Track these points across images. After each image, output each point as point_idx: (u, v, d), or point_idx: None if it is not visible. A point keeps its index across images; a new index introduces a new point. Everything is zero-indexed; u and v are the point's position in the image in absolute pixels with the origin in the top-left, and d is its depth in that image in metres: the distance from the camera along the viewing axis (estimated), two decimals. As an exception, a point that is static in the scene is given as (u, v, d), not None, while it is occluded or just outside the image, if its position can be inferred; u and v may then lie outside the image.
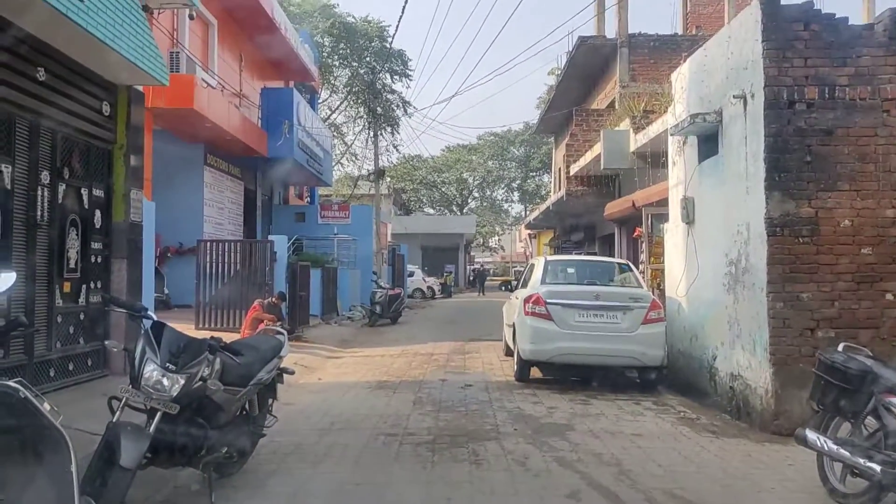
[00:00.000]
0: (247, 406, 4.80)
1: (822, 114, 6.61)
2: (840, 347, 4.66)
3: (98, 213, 7.43)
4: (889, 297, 6.46)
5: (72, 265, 6.97)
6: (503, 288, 13.57)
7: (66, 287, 6.90)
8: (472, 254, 60.10)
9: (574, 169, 18.45)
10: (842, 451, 4.34)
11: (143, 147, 8.22)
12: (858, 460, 4.20)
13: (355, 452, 5.57)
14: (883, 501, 4.19)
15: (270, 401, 5.17)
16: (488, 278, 45.83)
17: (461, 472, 5.09)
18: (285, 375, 5.31)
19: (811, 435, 4.56)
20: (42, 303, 6.51)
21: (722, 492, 4.74)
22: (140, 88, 7.99)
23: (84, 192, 7.18)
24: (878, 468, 4.08)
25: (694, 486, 4.80)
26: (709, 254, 8.09)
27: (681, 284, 8.97)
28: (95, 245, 7.38)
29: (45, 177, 6.49)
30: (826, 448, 4.46)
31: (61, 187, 6.76)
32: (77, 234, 7.04)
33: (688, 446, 5.95)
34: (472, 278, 46.90)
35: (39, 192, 6.41)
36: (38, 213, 6.39)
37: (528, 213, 45.82)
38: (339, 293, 18.64)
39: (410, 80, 37.19)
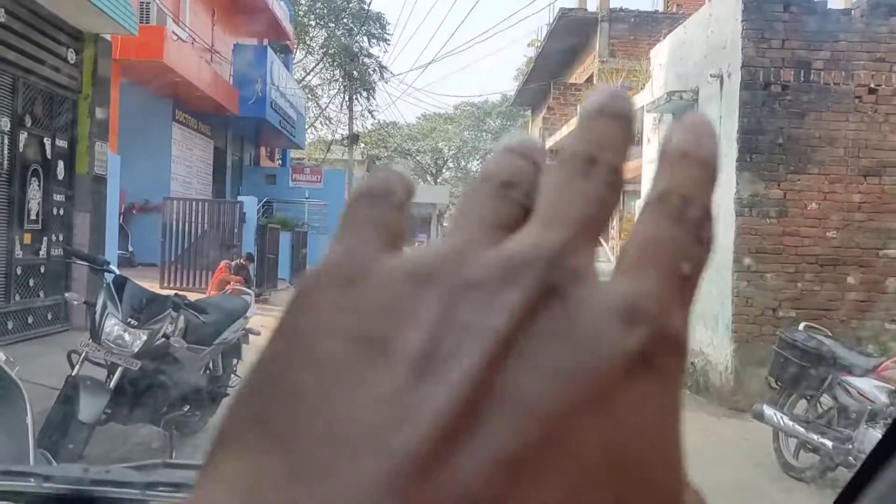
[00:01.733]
0: (210, 365, 4.75)
1: (797, 96, 6.67)
2: (800, 327, 4.78)
3: (61, 164, 7.21)
4: (850, 280, 6.61)
5: (33, 216, 6.77)
6: None
7: (27, 238, 6.72)
8: (444, 224, 60.10)
9: (550, 143, 18.44)
10: (797, 426, 4.47)
11: (109, 99, 7.98)
12: (812, 436, 4.33)
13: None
14: (832, 475, 4.33)
15: (235, 361, 5.13)
16: None
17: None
18: (251, 336, 5.25)
19: (768, 411, 4.69)
20: (1, 254, 6.33)
21: (679, 463, 4.85)
22: (108, 38, 7.72)
23: (47, 141, 6.95)
24: (829, 444, 4.21)
25: (652, 456, 4.90)
26: (678, 231, 8.17)
27: (649, 261, 9.07)
28: (58, 197, 7.18)
29: (4, 124, 6.26)
30: (782, 424, 4.58)
31: (23, 135, 6.53)
32: (39, 185, 6.83)
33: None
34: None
35: (-1, 140, 6.20)
36: (-2, 161, 6.19)
37: (501, 185, 45.74)
38: (310, 257, 18.52)
39: (388, 44, 36.72)
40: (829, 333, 4.78)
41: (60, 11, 6.70)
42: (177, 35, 14.17)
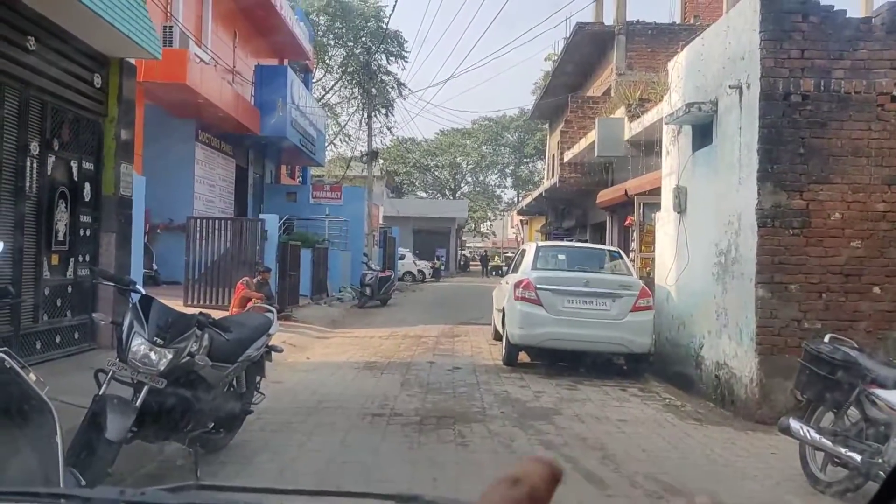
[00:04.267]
0: (234, 382, 4.80)
1: (817, 106, 6.62)
2: (826, 338, 4.71)
3: (87, 186, 7.36)
4: (876, 290, 6.51)
5: (60, 238, 6.91)
6: (491, 273, 13.60)
7: (55, 259, 6.84)
8: (463, 239, 60.11)
9: (568, 156, 18.42)
10: (824, 440, 4.40)
11: (134, 121, 8.13)
12: (840, 449, 4.26)
13: (342, 431, 5.59)
14: (862, 489, 4.25)
15: (258, 378, 5.17)
16: (490, 263, 46.72)
17: (447, 452, 5.12)
18: (274, 353, 5.31)
19: (794, 424, 4.62)
20: (29, 275, 6.46)
21: (704, 478, 4.79)
22: (132, 62, 7.89)
23: (74, 164, 7.10)
24: (858, 457, 4.14)
25: (677, 471, 4.85)
26: (699, 243, 8.12)
27: (670, 273, 9.01)
28: (84, 218, 7.32)
29: (34, 147, 6.41)
30: (809, 437, 4.51)
31: (50, 159, 6.68)
32: (66, 207, 6.97)
33: (672, 433, 6.01)
34: (461, 263, 47.59)
35: (28, 163, 6.33)
36: (27, 184, 6.32)
37: (520, 199, 45.81)
38: (330, 274, 18.60)
39: (406, 61, 36.97)
40: (856, 345, 4.70)
41: (87, 37, 6.86)
42: (199, 57, 14.43)
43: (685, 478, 4.73)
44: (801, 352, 4.81)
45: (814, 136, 6.61)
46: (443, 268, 40.35)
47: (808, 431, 4.52)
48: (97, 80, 7.39)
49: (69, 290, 7.11)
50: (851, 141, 6.60)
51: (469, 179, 59.32)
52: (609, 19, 20.10)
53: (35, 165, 6.43)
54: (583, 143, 16.89)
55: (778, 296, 6.52)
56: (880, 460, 4.06)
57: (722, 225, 7.39)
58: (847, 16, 6.79)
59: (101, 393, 3.68)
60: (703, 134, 8.19)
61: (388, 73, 31.54)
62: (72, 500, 0.95)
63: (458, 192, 56.84)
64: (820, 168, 6.59)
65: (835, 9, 6.75)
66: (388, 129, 33.38)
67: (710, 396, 7.35)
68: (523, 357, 9.53)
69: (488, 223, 67.22)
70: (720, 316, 7.31)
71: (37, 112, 6.45)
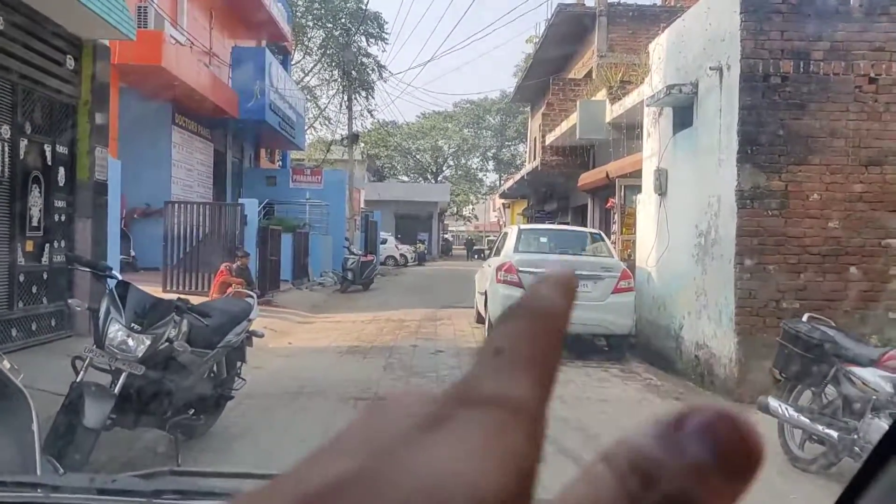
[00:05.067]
0: (215, 368, 4.76)
1: (797, 88, 6.65)
2: (804, 318, 4.76)
3: (62, 171, 7.22)
4: (853, 270, 6.60)
5: (34, 223, 6.79)
6: (474, 256, 13.62)
7: (29, 246, 6.73)
8: (445, 223, 60.09)
9: (550, 139, 18.42)
10: (802, 418, 4.46)
11: (108, 104, 7.98)
12: (817, 427, 4.32)
13: (324, 416, 5.57)
14: (838, 465, 4.32)
15: (239, 364, 5.13)
16: (475, 246, 46.77)
17: (430, 436, 5.12)
18: (255, 339, 5.26)
19: (773, 402, 4.68)
20: (3, 261, 6.35)
21: (685, 457, 4.84)
22: (106, 43, 7.73)
23: (47, 148, 6.96)
24: (835, 434, 4.21)
25: (658, 451, 4.90)
26: (680, 225, 8.16)
27: (651, 255, 9.06)
28: (59, 203, 7.19)
29: (5, 131, 6.27)
30: (787, 415, 4.57)
31: (23, 143, 6.54)
32: (40, 192, 6.84)
33: (652, 412, 5.92)
34: (444, 247, 47.72)
35: (0, 147, 6.20)
36: (-1, 168, 6.20)
37: (502, 182, 45.83)
38: (311, 258, 18.50)
39: (386, 43, 36.68)
40: (833, 324, 4.77)
41: (58, 18, 6.70)
42: (175, 39, 14.18)
43: (666, 457, 4.78)
44: (780, 331, 4.87)
45: (793, 118, 6.65)
46: (426, 252, 40.29)
47: (787, 410, 4.58)
48: (70, 63, 7.23)
49: (45, 276, 7.00)
50: (830, 123, 6.65)
51: (451, 163, 59.22)
52: (591, 1, 20.05)
53: (6, 149, 6.29)
54: (564, 126, 16.88)
55: (757, 276, 6.58)
56: (856, 436, 4.14)
57: (702, 207, 7.43)
58: (826, -3, 6.82)
59: (78, 380, 3.63)
60: (683, 116, 8.21)
61: (368, 55, 31.27)
62: (42, 488, 0.92)
63: (440, 176, 56.72)
64: (799, 150, 6.64)
65: (814, -10, 6.77)
66: (369, 111, 33.16)
67: (690, 376, 7.44)
68: (506, 340, 9.56)
69: (470, 207, 67.25)
70: (700, 297, 7.38)
71: (7, 95, 6.30)
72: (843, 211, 6.64)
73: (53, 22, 6.73)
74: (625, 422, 5.66)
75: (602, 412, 5.98)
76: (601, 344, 9.43)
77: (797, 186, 6.63)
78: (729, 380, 6.65)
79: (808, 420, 4.41)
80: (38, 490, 0.96)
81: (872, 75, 6.66)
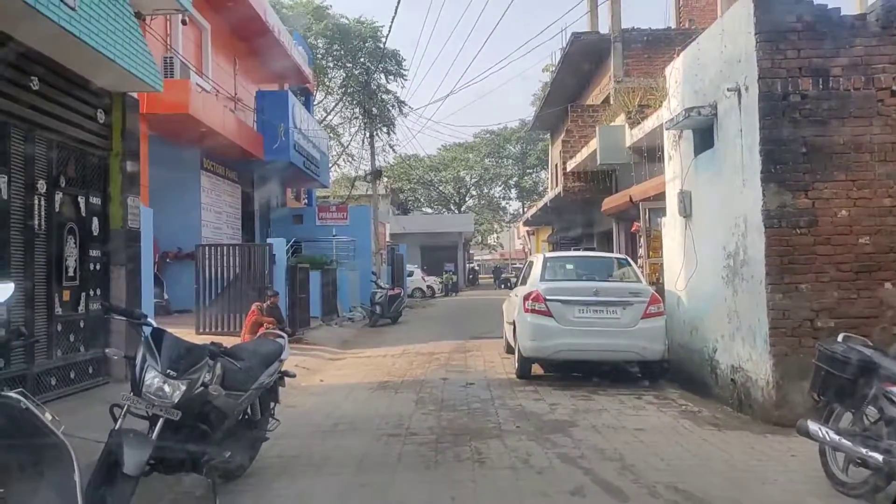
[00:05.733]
0: (249, 410, 4.81)
1: (817, 104, 6.62)
2: (840, 338, 4.67)
3: (96, 221, 7.43)
4: (888, 286, 6.47)
5: (70, 273, 6.97)
6: (501, 285, 13.61)
7: (66, 295, 6.90)
8: (470, 252, 60.12)
9: (570, 165, 18.46)
10: (843, 440, 4.35)
11: (138, 153, 8.21)
12: (860, 450, 4.21)
13: (359, 454, 5.58)
14: (886, 490, 4.20)
15: (272, 404, 5.18)
16: (503, 274, 46.61)
17: (464, 471, 5.10)
18: (287, 378, 5.32)
19: (813, 426, 4.58)
20: (42, 312, 6.51)
21: (725, 484, 4.75)
22: (135, 95, 7.99)
23: (81, 199, 7.18)
24: (880, 457, 4.09)
25: (697, 479, 4.81)
26: (707, 247, 8.09)
27: (680, 278, 8.98)
28: (94, 252, 7.38)
29: (41, 186, 6.48)
30: (828, 438, 4.47)
31: (58, 196, 6.75)
32: (75, 242, 7.04)
33: (690, 439, 5.96)
34: (470, 276, 47.62)
35: (36, 202, 6.41)
36: (36, 222, 6.39)
37: (525, 209, 45.83)
38: (339, 294, 18.65)
39: (405, 79, 37.25)
40: (870, 343, 4.66)
41: (88, 74, 6.96)
42: (200, 87, 14.58)
43: (705, 485, 4.69)
44: (815, 352, 4.78)
45: (815, 135, 6.60)
46: (451, 283, 40.13)
47: (827, 433, 4.47)
48: (101, 116, 7.48)
49: (81, 324, 7.16)
50: (853, 138, 6.59)
51: (473, 193, 59.45)
52: (604, 28, 20.21)
53: (43, 203, 6.50)
54: (585, 152, 16.91)
55: (789, 296, 6.49)
56: (902, 459, 4.02)
57: (728, 227, 7.37)
58: (841, 13, 6.80)
59: (117, 427, 3.70)
60: (704, 137, 8.20)
61: (388, 91, 31.77)
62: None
63: (464, 206, 56.93)
64: (823, 166, 6.58)
65: (829, 7, 6.76)
66: (391, 146, 33.56)
67: (727, 401, 7.30)
68: (536, 369, 9.50)
69: (495, 235, 67.25)
70: (732, 319, 7.28)
71: (42, 150, 6.53)
72: (873, 226, 6.54)
73: (84, 78, 6.99)
74: (662, 450, 5.57)
75: (638, 441, 5.89)
76: (634, 371, 9.31)
77: (824, 203, 6.55)
78: (767, 403, 6.52)
79: (849, 443, 4.30)
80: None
81: (894, 88, 6.61)
